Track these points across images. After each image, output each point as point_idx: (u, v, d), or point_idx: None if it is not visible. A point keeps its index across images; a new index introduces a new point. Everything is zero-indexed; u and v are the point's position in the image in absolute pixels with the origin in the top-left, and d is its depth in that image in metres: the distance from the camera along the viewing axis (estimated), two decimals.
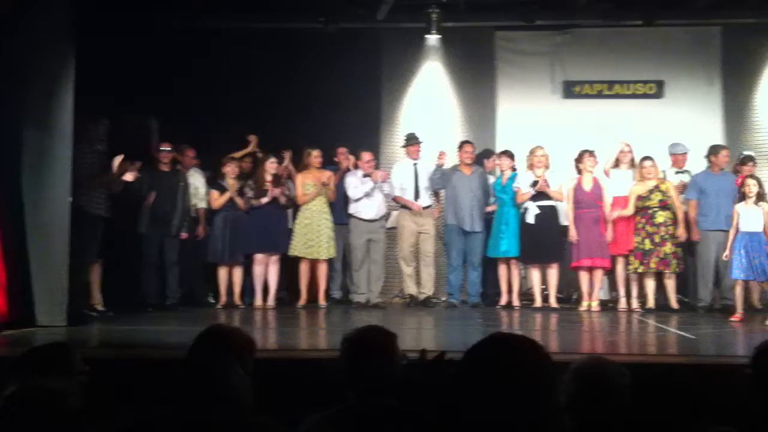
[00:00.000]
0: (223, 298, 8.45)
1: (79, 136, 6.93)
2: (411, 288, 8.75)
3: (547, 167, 8.48)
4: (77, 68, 6.80)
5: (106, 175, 7.53)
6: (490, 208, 8.70)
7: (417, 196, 8.72)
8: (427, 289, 8.71)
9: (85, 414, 2.30)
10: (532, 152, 8.55)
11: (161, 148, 8.39)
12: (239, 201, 8.44)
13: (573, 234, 8.26)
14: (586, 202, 8.33)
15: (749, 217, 7.41)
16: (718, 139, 9.23)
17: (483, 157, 9.19)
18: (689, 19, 9.59)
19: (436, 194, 8.90)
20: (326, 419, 2.58)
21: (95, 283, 7.73)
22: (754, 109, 9.65)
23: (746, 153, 8.77)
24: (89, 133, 7.45)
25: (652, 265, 8.12)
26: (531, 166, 8.51)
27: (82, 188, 7.15)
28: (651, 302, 8.22)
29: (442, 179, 8.70)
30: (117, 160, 7.59)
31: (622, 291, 8.38)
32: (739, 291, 7.40)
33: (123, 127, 8.00)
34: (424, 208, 8.74)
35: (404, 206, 8.76)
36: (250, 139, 9.02)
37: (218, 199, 8.46)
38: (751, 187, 7.44)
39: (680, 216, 8.21)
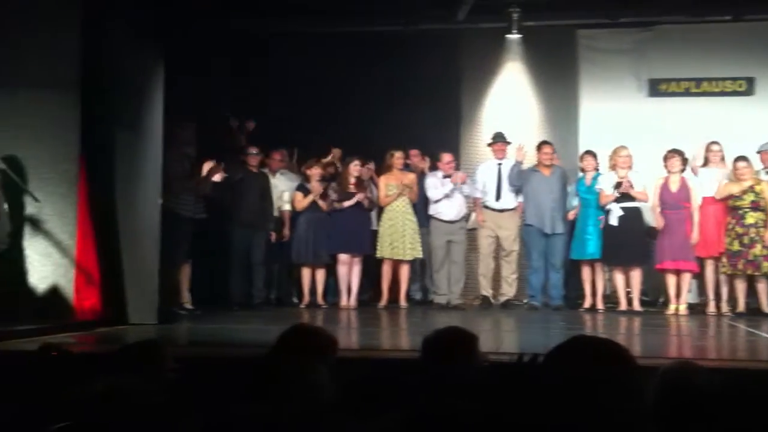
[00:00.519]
0: (306, 298, 8.59)
1: (167, 140, 7.14)
2: (487, 290, 8.71)
3: (630, 168, 8.30)
4: (166, 72, 6.99)
5: (194, 178, 7.76)
6: (571, 214, 8.55)
7: (499, 196, 8.66)
8: (508, 291, 8.65)
9: (170, 411, 2.36)
10: (615, 152, 8.40)
11: (249, 151, 8.56)
12: (322, 204, 8.56)
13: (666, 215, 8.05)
14: (672, 203, 8.13)
15: None
16: None
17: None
18: None
19: (518, 194, 8.78)
20: (402, 420, 2.61)
21: (184, 282, 7.95)
22: None
23: None
24: (176, 137, 7.68)
25: (740, 267, 7.88)
26: (614, 167, 8.35)
27: (171, 190, 7.38)
28: (741, 306, 7.96)
29: (519, 177, 8.60)
30: (207, 166, 7.81)
31: (711, 294, 8.14)
32: None
33: (211, 130, 8.23)
34: (505, 210, 8.66)
35: (485, 206, 8.70)
36: (333, 153, 9.08)
37: (301, 202, 8.60)
38: None
39: None
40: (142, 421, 2.15)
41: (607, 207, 8.25)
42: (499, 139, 8.82)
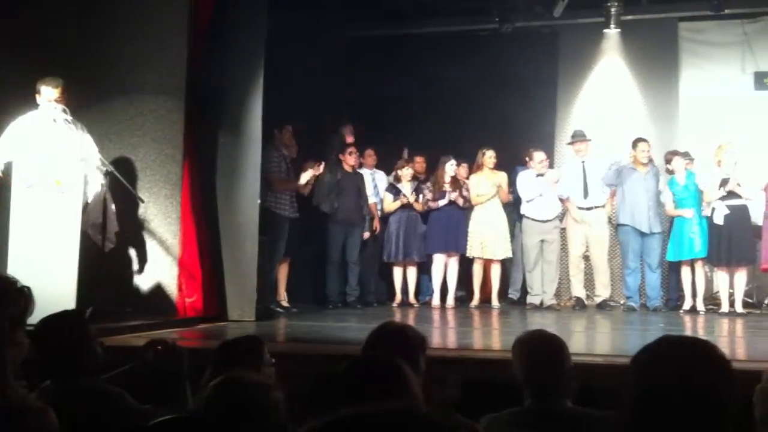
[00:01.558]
0: (398, 297, 8.66)
1: (265, 142, 7.32)
2: (579, 290, 8.57)
3: (736, 164, 7.99)
4: (266, 75, 7.14)
5: (292, 182, 7.92)
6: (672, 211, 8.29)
7: (586, 194, 8.51)
8: (603, 292, 8.50)
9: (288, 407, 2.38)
10: (721, 148, 8.09)
11: (346, 152, 8.68)
12: (416, 204, 8.60)
13: None
14: None
15: None
16: None
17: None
18: None
19: (606, 192, 8.58)
20: (503, 419, 2.63)
21: (282, 280, 8.14)
22: None
23: None
24: (275, 139, 7.88)
25: None
26: (720, 163, 8.05)
27: (270, 190, 7.58)
28: None
29: (615, 176, 8.41)
30: (306, 175, 7.95)
31: None
32: None
33: (310, 132, 8.40)
34: (595, 207, 8.51)
35: (575, 206, 8.57)
36: (403, 154, 9.07)
37: (390, 204, 8.67)
38: None
39: None
40: (260, 416, 2.15)
41: (712, 205, 7.96)
42: (577, 138, 8.65)
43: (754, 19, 9.30)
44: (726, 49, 9.45)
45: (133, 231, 6.68)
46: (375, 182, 8.91)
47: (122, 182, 6.14)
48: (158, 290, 6.68)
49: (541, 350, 2.70)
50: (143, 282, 6.73)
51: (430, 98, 9.46)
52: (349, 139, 8.78)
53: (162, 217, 6.76)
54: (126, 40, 6.78)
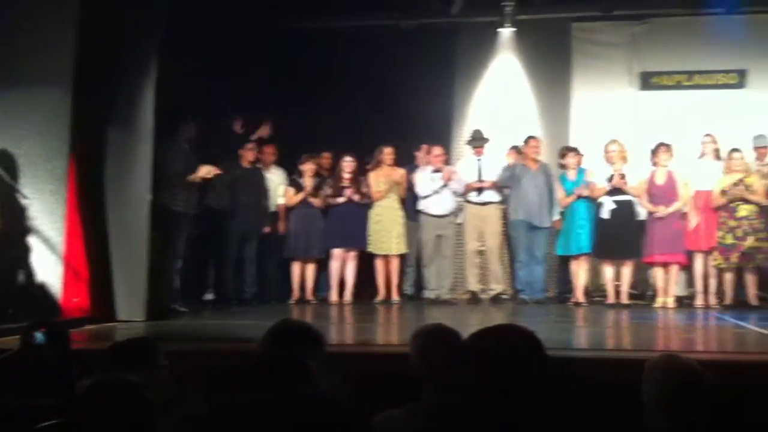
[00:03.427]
0: (296, 294, 8.59)
1: (167, 136, 7.10)
2: (476, 285, 8.71)
3: (624, 161, 8.31)
4: (165, 70, 6.96)
5: (190, 176, 7.72)
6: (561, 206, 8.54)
7: (480, 192, 8.66)
8: (496, 286, 8.66)
9: (163, 406, 2.36)
10: (609, 145, 8.41)
11: (244, 147, 8.53)
12: (315, 200, 8.56)
13: (653, 209, 8.11)
14: (660, 196, 8.14)
15: None
16: None
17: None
18: None
19: (500, 190, 8.77)
20: (400, 413, 2.61)
21: (177, 278, 7.93)
22: None
23: None
24: (177, 133, 7.68)
25: (733, 260, 7.90)
26: (608, 160, 8.35)
27: (167, 186, 7.36)
28: (729, 299, 7.99)
29: (511, 178, 8.60)
30: (203, 170, 7.75)
31: (699, 287, 8.16)
32: None
33: (210, 128, 8.21)
34: (490, 204, 8.67)
35: (468, 201, 8.70)
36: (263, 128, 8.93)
37: (293, 197, 8.60)
38: None
39: None
40: (134, 415, 2.14)
41: (600, 200, 8.25)
42: (476, 141, 8.80)
43: (641, 21, 9.65)
44: (615, 49, 9.77)
45: (15, 228, 6.37)
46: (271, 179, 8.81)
47: (3, 177, 5.83)
48: (42, 290, 6.40)
49: (437, 343, 2.69)
50: (26, 281, 6.43)
51: (330, 94, 9.38)
52: (263, 133, 8.67)
53: (47, 214, 6.47)
54: (11, 30, 6.43)
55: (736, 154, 8.06)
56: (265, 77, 9.19)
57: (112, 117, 6.76)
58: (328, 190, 8.62)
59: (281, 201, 8.75)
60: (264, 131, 8.85)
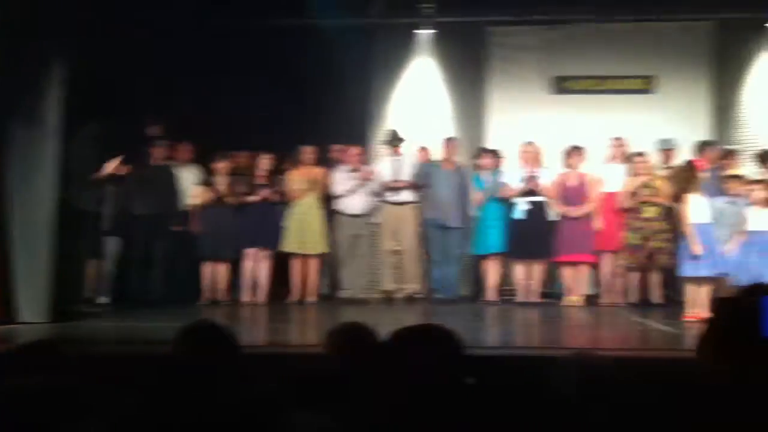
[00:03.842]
0: (208, 294, 8.43)
1: (73, 134, 6.89)
2: (391, 284, 8.75)
3: (538, 163, 8.48)
4: (74, 67, 6.77)
5: (97, 173, 7.50)
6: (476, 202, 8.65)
7: (397, 191, 8.71)
8: (411, 285, 8.72)
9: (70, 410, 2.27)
10: (523, 147, 8.57)
11: (154, 144, 8.35)
12: (229, 199, 8.42)
13: (565, 210, 8.28)
14: (571, 197, 8.34)
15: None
16: (706, 134, 9.24)
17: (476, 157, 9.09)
18: (681, 15, 9.59)
19: (417, 189, 8.83)
20: (320, 415, 2.58)
21: (87, 278, 7.71)
22: (741, 105, 9.66)
23: (729, 148, 8.77)
24: (83, 131, 7.44)
25: (640, 261, 8.15)
26: (522, 162, 8.51)
27: (74, 184, 7.13)
28: (634, 297, 8.24)
29: (425, 176, 8.67)
30: (109, 166, 7.54)
31: (606, 286, 8.39)
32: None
33: (118, 126, 7.98)
34: (406, 203, 8.72)
35: (385, 201, 8.74)
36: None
37: (206, 196, 8.47)
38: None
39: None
40: (39, 422, 2.04)
41: (513, 201, 8.40)
42: (393, 141, 8.85)
43: (555, 26, 9.86)
44: (530, 54, 9.95)
45: None
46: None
47: None
48: None
49: (353, 342, 2.68)
50: None
51: (248, 92, 9.24)
52: (156, 132, 8.45)
53: None
54: None
55: (639, 157, 8.32)
56: (183, 75, 8.98)
57: (17, 114, 6.50)
58: (242, 189, 8.49)
59: (193, 200, 8.58)
60: (155, 130, 8.62)
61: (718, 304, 1.96)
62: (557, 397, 2.59)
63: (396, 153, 8.84)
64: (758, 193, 7.22)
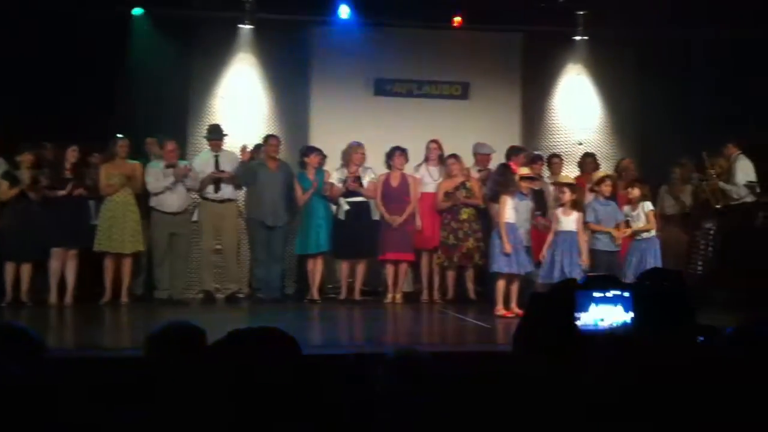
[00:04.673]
0: (9, 296, 7.82)
1: None
2: (211, 284, 8.57)
3: (361, 163, 8.58)
4: None
5: None
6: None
7: (218, 188, 8.53)
8: (233, 285, 8.56)
9: None
10: (347, 148, 8.63)
11: None
12: (32, 194, 7.86)
13: (392, 218, 8.40)
14: (394, 197, 8.51)
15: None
16: (517, 140, 9.73)
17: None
18: (494, 25, 10.04)
19: (239, 186, 8.70)
20: (137, 419, 2.44)
21: None
22: (550, 112, 10.28)
23: (536, 153, 9.28)
24: None
25: (455, 259, 8.45)
26: (345, 163, 8.58)
27: None
28: (451, 294, 8.56)
29: (246, 175, 8.55)
30: None
31: (425, 283, 8.64)
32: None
33: None
34: (226, 201, 8.56)
35: (205, 198, 8.55)
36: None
37: (7, 192, 7.84)
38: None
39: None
40: None
41: (337, 201, 8.45)
42: (214, 135, 8.69)
43: (376, 28, 10.00)
44: (352, 55, 10.03)
45: None
46: None
47: None
48: None
49: (177, 344, 2.55)
50: None
51: (56, 82, 8.64)
52: None
53: None
54: None
55: (453, 160, 8.63)
56: None
57: None
58: (45, 182, 7.92)
59: None
60: None
61: (532, 299, 2.04)
62: (383, 392, 2.61)
63: (217, 147, 8.61)
64: (565, 195, 7.70)
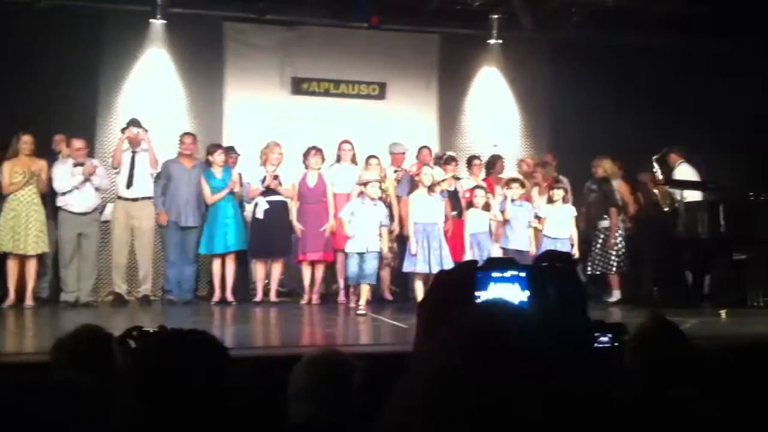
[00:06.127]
0: None
1: None
2: (121, 286, 8.34)
3: (278, 162, 8.47)
4: None
5: None
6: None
7: (130, 184, 8.29)
8: (143, 287, 8.35)
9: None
10: (265, 147, 8.53)
11: None
12: None
13: (297, 228, 8.33)
14: (311, 197, 8.44)
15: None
16: (433, 140, 9.80)
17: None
18: (411, 26, 10.09)
19: (155, 183, 8.46)
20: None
21: None
22: (464, 113, 10.40)
23: (449, 154, 9.36)
24: None
25: None
26: (265, 161, 8.46)
27: None
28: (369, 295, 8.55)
29: (163, 174, 8.36)
30: None
31: (341, 284, 8.59)
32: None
33: None
34: (141, 199, 8.34)
35: (119, 197, 8.33)
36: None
37: None
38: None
39: (396, 212, 8.56)
40: None
41: (255, 201, 8.33)
42: (131, 125, 8.43)
43: (292, 27, 9.91)
44: (267, 52, 9.92)
45: None
46: None
47: None
48: None
49: (89, 348, 2.44)
50: None
51: None
52: None
53: None
54: None
55: (373, 160, 8.62)
56: None
57: None
58: None
59: None
60: None
61: (436, 277, 2.07)
62: (301, 395, 2.56)
63: (135, 145, 8.36)
64: (479, 198, 7.83)
